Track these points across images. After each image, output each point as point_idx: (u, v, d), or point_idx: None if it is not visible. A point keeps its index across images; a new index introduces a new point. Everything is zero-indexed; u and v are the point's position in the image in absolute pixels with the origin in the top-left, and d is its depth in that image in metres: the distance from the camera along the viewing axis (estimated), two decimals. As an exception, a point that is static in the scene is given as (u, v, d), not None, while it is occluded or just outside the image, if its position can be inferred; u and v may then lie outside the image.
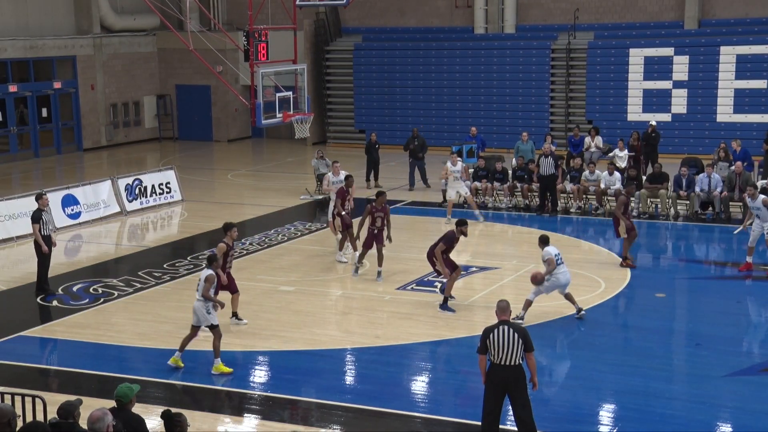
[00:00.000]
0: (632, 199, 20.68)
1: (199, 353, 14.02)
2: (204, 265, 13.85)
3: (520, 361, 10.08)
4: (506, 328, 10.06)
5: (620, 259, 18.41)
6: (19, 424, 8.38)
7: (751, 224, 18.06)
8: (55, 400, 8.82)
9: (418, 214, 23.71)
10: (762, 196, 17.94)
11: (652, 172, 23.02)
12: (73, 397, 8.69)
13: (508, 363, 10.02)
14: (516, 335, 10.01)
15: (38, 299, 16.64)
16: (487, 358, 10.16)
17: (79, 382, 12.80)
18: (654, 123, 27.00)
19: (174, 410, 8.50)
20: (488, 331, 10.14)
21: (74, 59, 34.91)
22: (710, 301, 16.58)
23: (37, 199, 17.26)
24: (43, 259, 16.81)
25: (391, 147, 31.48)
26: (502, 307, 10.33)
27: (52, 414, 8.71)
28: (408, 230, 21.51)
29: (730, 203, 22.09)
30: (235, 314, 15.00)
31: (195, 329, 13.13)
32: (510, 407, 10.32)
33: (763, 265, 18.42)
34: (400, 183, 27.18)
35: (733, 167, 22.24)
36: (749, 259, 17.91)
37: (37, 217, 16.80)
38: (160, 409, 11.42)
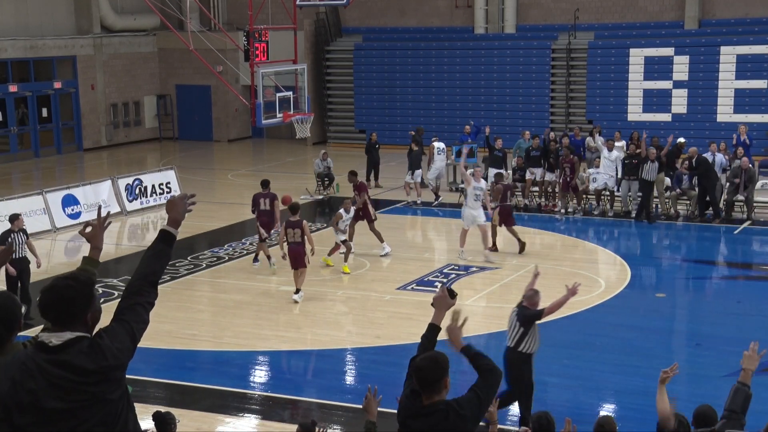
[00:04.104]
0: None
1: (199, 353, 14.04)
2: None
3: None
4: None
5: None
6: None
7: None
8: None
9: (418, 213, 23.69)
10: None
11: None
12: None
13: None
14: None
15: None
16: None
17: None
18: (683, 140, 24.88)
19: (164, 410, 8.50)
20: None
21: (74, 59, 34.90)
22: (710, 301, 16.58)
23: (12, 220, 15.34)
24: (12, 282, 14.95)
25: (392, 147, 31.46)
26: None
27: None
28: (408, 230, 21.51)
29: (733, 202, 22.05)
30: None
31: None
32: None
33: (763, 265, 18.43)
34: (400, 183, 27.15)
35: (739, 161, 22.03)
36: None
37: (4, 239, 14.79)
38: (160, 409, 11.48)
